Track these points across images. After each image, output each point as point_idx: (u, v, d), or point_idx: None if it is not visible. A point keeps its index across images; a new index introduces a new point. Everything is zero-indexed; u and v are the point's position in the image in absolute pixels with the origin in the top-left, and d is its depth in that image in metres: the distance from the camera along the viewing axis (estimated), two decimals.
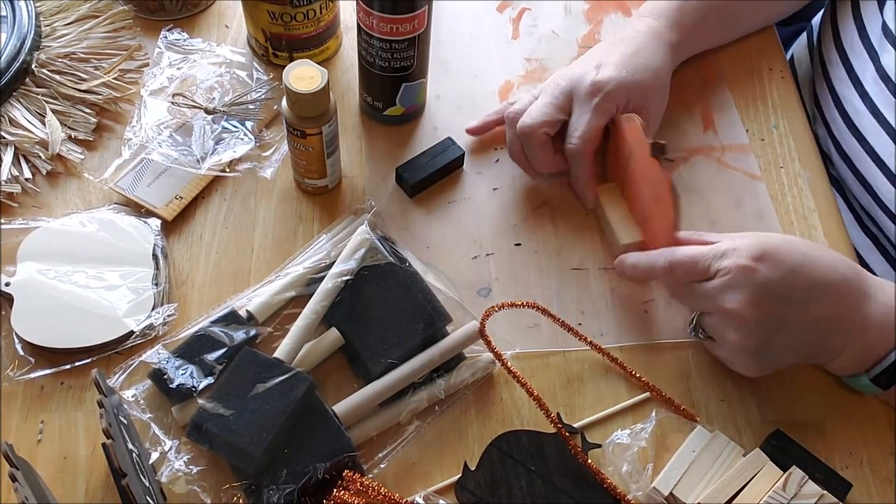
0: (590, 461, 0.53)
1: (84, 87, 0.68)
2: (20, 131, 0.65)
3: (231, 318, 0.57)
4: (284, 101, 0.58)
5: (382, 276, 0.59)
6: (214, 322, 0.57)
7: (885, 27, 0.66)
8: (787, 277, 0.52)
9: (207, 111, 0.67)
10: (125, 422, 0.52)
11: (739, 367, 0.55)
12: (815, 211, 0.67)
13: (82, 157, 0.66)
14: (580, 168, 0.63)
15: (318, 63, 0.58)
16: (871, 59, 0.67)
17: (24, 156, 0.65)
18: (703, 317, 0.56)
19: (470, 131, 0.69)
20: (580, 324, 0.60)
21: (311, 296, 0.58)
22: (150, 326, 0.57)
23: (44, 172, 0.65)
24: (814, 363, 0.57)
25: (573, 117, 0.63)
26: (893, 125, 0.64)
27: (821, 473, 0.53)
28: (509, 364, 0.56)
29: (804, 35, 0.83)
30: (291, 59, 0.69)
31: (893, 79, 0.64)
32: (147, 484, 0.49)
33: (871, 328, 0.53)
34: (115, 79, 0.69)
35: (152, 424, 0.54)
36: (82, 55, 0.70)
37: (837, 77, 0.71)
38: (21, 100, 0.67)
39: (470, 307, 0.60)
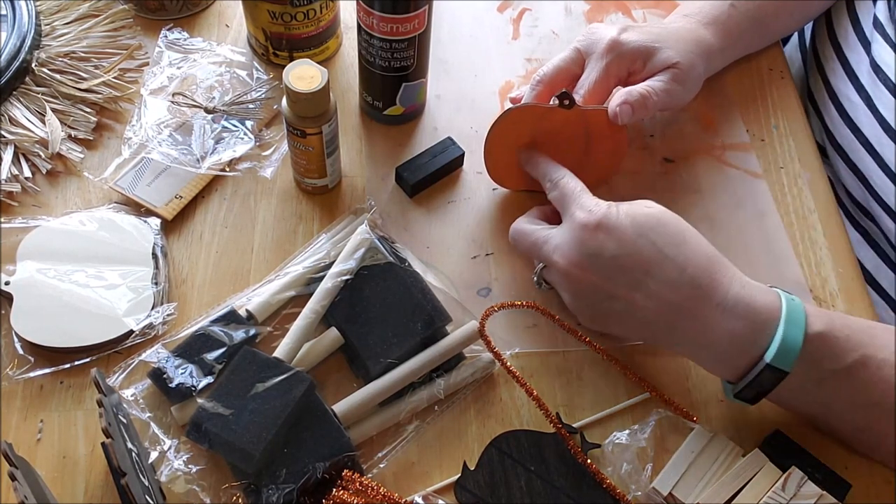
0: (589, 461, 0.53)
1: (84, 86, 0.68)
2: (20, 130, 0.65)
3: (231, 318, 0.57)
4: (284, 101, 0.58)
5: (382, 275, 0.58)
6: (214, 321, 0.57)
7: (875, 20, 0.67)
8: (619, 258, 0.52)
9: (207, 110, 0.67)
10: (124, 421, 0.52)
11: (579, 318, 0.58)
12: (815, 211, 0.67)
13: (82, 156, 0.66)
14: None
15: (318, 63, 0.58)
16: (865, 52, 0.68)
17: (24, 155, 0.65)
18: (546, 269, 0.58)
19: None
20: (580, 324, 0.60)
21: (310, 295, 0.58)
22: (150, 326, 0.57)
23: (44, 171, 0.65)
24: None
25: (584, 73, 0.63)
26: (885, 116, 0.65)
27: (820, 474, 0.53)
28: (509, 364, 0.56)
29: (795, 34, 0.83)
30: (291, 59, 0.69)
31: (885, 70, 0.65)
32: (146, 483, 0.49)
33: (715, 337, 0.51)
34: (115, 78, 0.69)
35: (152, 424, 0.54)
36: (82, 54, 0.70)
37: (832, 70, 0.72)
38: (21, 99, 0.67)
39: (470, 307, 0.60)
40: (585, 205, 0.54)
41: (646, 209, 0.53)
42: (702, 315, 0.51)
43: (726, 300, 0.51)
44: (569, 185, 0.57)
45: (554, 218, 0.59)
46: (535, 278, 0.59)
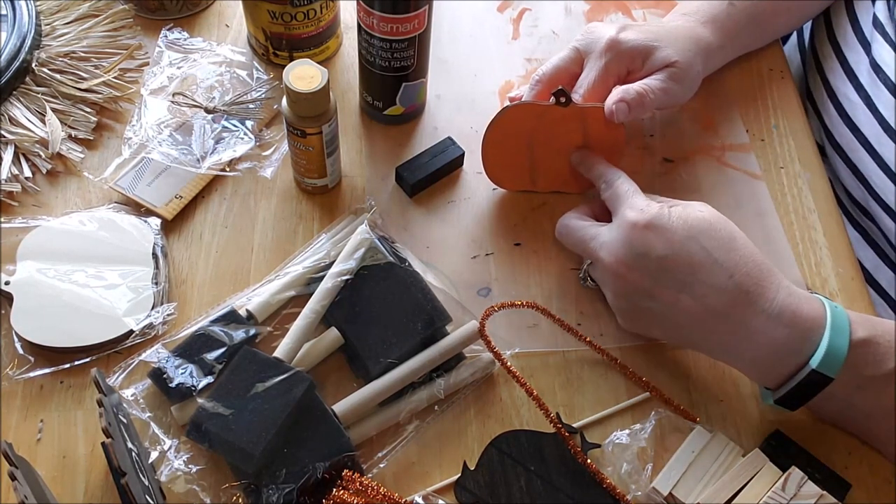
0: (589, 461, 0.53)
1: (84, 85, 0.68)
2: (20, 130, 0.65)
3: (231, 318, 0.57)
4: (284, 101, 0.58)
5: (382, 275, 0.58)
6: (214, 321, 0.57)
7: (875, 20, 0.67)
8: (666, 259, 0.52)
9: (207, 110, 0.67)
10: (125, 421, 0.52)
11: (618, 318, 0.58)
12: (814, 211, 0.67)
13: (82, 156, 0.66)
14: None
15: (318, 63, 0.58)
16: (864, 52, 0.68)
17: (24, 155, 0.65)
18: (592, 265, 0.58)
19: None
20: (580, 324, 0.60)
21: (310, 295, 0.58)
22: (150, 325, 0.57)
23: (44, 171, 0.65)
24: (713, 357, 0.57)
25: (583, 72, 0.63)
26: (884, 115, 0.65)
27: (820, 474, 0.54)
28: (509, 364, 0.56)
29: (794, 34, 0.83)
30: (291, 59, 0.69)
31: (885, 69, 0.65)
32: (146, 483, 0.49)
33: (758, 344, 0.51)
34: (115, 78, 0.69)
35: (152, 423, 0.54)
36: (82, 54, 0.70)
37: (831, 70, 0.72)
38: (21, 98, 0.67)
39: (470, 307, 0.60)
40: (637, 204, 0.54)
41: (698, 212, 0.53)
42: (746, 321, 0.51)
43: (772, 308, 0.51)
44: (623, 185, 0.57)
45: (602, 215, 0.59)
46: (581, 274, 0.60)
